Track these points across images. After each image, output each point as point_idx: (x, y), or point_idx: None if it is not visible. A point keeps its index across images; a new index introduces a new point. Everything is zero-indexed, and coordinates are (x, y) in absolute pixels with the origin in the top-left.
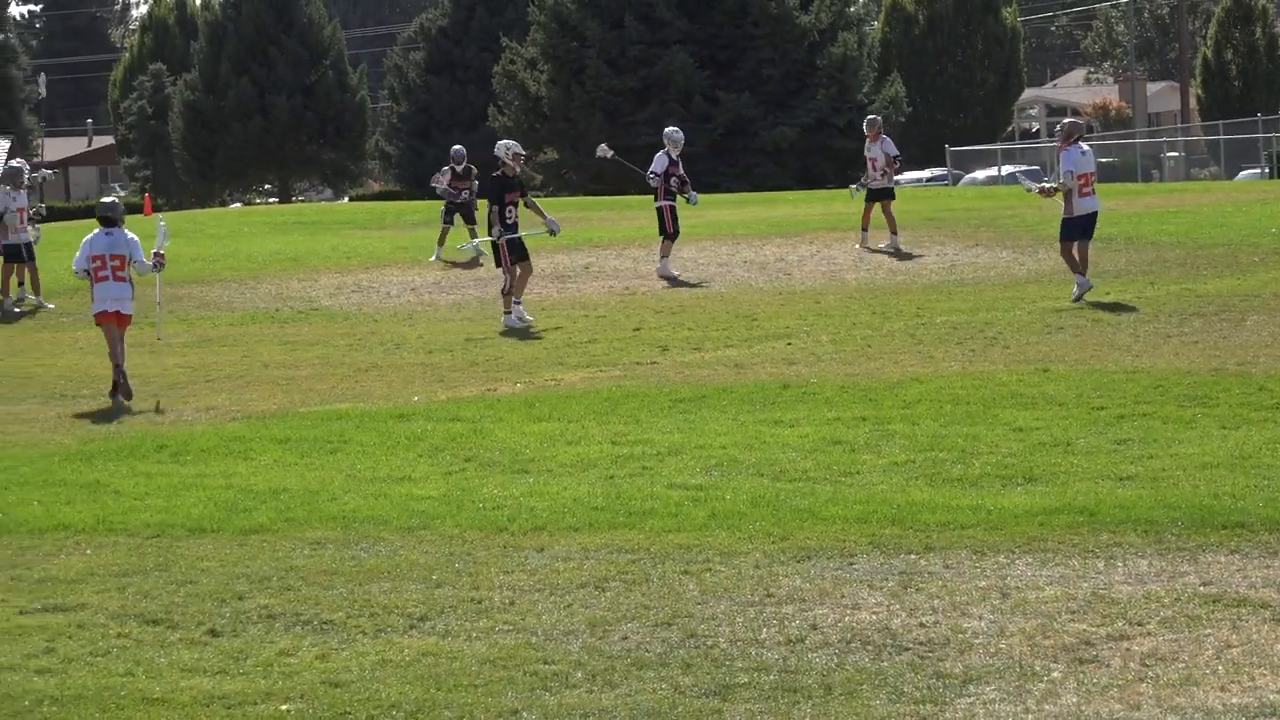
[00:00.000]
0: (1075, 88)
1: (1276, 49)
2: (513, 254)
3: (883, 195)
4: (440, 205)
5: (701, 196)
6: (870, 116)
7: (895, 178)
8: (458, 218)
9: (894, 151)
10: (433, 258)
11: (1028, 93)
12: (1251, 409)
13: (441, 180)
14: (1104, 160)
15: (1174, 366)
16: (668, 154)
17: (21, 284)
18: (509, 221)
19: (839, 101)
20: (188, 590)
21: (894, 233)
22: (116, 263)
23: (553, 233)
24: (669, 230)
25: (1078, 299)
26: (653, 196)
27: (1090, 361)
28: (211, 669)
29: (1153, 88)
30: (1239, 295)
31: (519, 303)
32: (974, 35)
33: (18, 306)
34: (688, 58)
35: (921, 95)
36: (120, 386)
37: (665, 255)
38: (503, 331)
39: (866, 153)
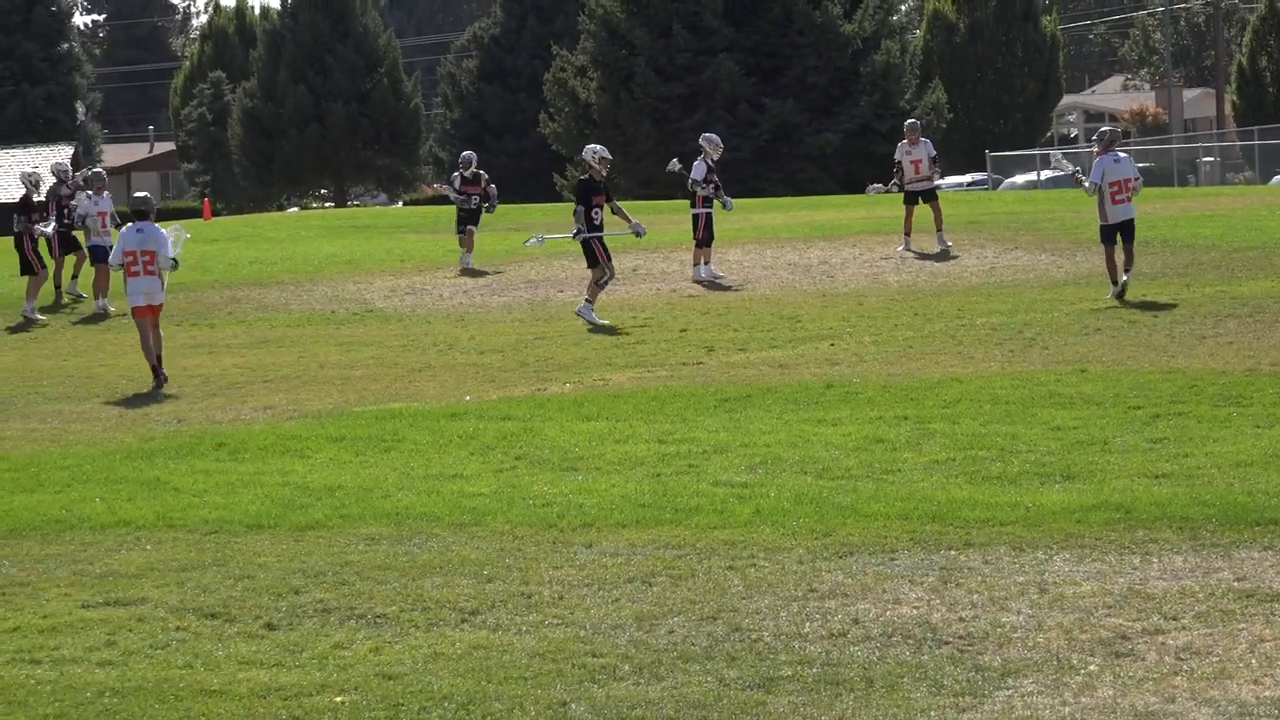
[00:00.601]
0: (1113, 94)
1: None
2: (606, 254)
3: (928, 196)
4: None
5: (747, 201)
6: (910, 121)
7: (939, 179)
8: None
9: (934, 152)
10: (466, 264)
11: (1066, 99)
12: None
13: (450, 188)
14: (1141, 165)
15: (1209, 367)
16: (705, 160)
17: (76, 277)
18: (595, 223)
19: (881, 108)
20: (245, 585)
21: (939, 228)
22: (147, 258)
23: (638, 234)
24: (700, 235)
25: (1115, 296)
26: (689, 203)
27: (1126, 362)
28: (268, 661)
29: (1189, 94)
30: (1273, 297)
31: (589, 301)
32: (1014, 43)
33: (65, 299)
34: (734, 65)
35: (962, 102)
36: (158, 375)
37: (698, 262)
38: (588, 319)
39: (906, 156)
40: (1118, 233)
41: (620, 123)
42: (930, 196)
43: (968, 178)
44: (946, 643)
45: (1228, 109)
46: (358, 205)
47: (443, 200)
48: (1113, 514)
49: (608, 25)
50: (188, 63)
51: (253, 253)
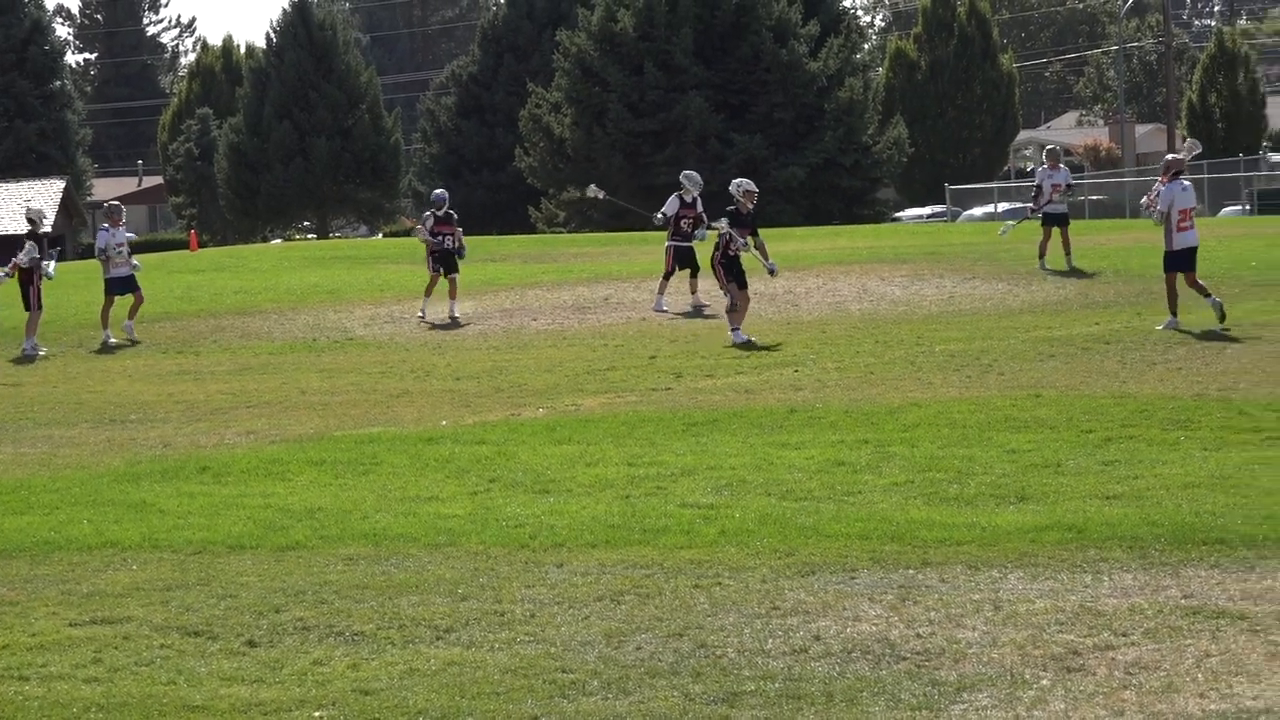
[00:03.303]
0: (1068, 129)
1: (1257, 93)
2: (734, 279)
3: (1062, 220)
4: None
5: (713, 233)
6: (1050, 146)
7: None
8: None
9: (1071, 179)
10: (419, 314)
11: (1023, 134)
12: (1231, 432)
13: (422, 229)
14: (1094, 198)
15: (1159, 392)
16: (680, 196)
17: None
18: (732, 253)
19: (845, 143)
20: (228, 604)
21: (1067, 253)
22: None
23: (772, 273)
24: (668, 268)
25: (1165, 327)
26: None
27: (1079, 387)
28: (249, 678)
29: (1141, 129)
30: (1220, 326)
31: (736, 328)
32: (973, 80)
33: (114, 338)
34: (703, 102)
35: (923, 136)
36: None
37: (694, 290)
38: (729, 345)
39: (1048, 180)
40: (1181, 260)
41: (593, 157)
42: (1064, 221)
43: (928, 210)
44: (904, 658)
45: (1178, 144)
46: (339, 237)
47: None
48: (1065, 534)
49: (581, 63)
50: (176, 100)
51: (237, 283)
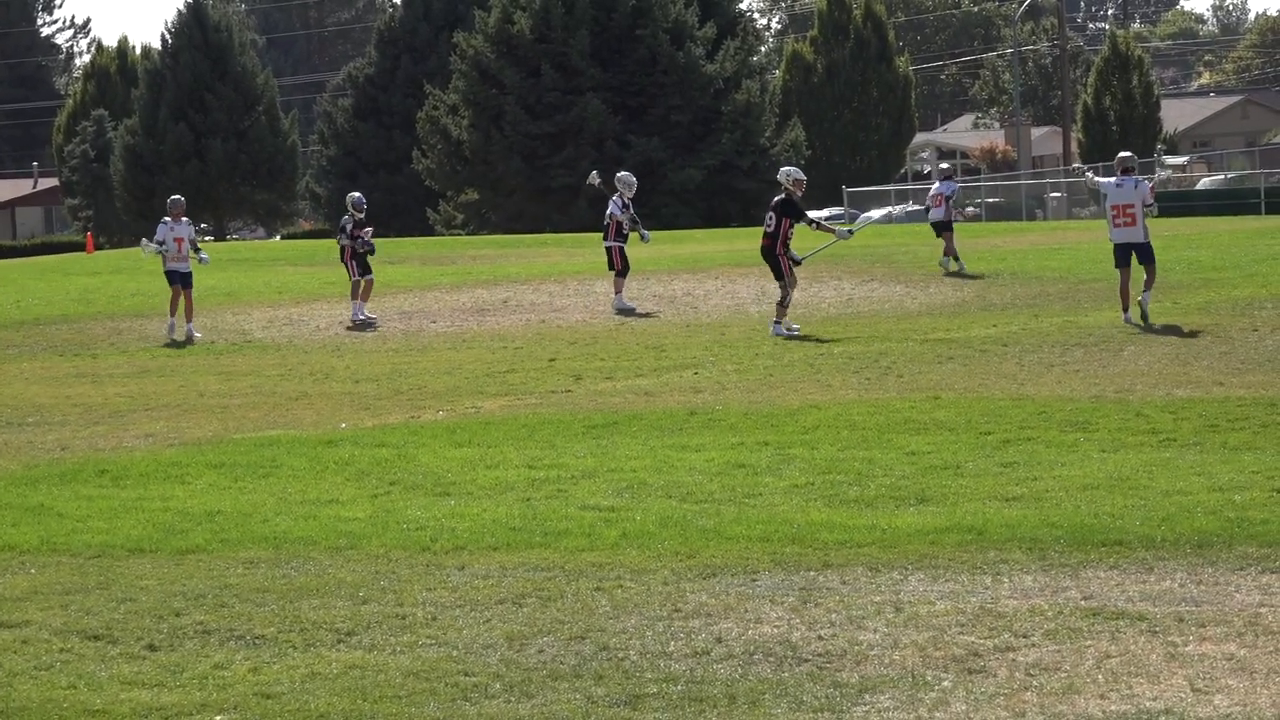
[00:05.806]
0: (964, 132)
1: (1151, 96)
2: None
3: (941, 227)
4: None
5: None
6: (942, 165)
7: (956, 213)
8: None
9: (947, 192)
10: (361, 315)
11: (919, 137)
12: (1129, 434)
13: (359, 234)
14: (991, 200)
15: (1056, 394)
16: (621, 196)
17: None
18: (787, 240)
19: (742, 145)
20: (127, 607)
21: (947, 255)
22: None
23: (796, 263)
24: (619, 267)
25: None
26: (601, 235)
27: (978, 389)
28: (150, 682)
29: (1037, 132)
30: (1117, 327)
31: (778, 321)
32: (869, 83)
33: (176, 335)
34: (601, 104)
35: (820, 139)
36: None
37: (618, 291)
38: (780, 334)
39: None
40: (1125, 255)
41: (491, 159)
42: (943, 228)
43: (825, 212)
44: (806, 660)
45: (1074, 146)
46: (237, 239)
47: (319, 233)
48: (965, 535)
49: (478, 65)
50: (71, 101)
51: (134, 285)
